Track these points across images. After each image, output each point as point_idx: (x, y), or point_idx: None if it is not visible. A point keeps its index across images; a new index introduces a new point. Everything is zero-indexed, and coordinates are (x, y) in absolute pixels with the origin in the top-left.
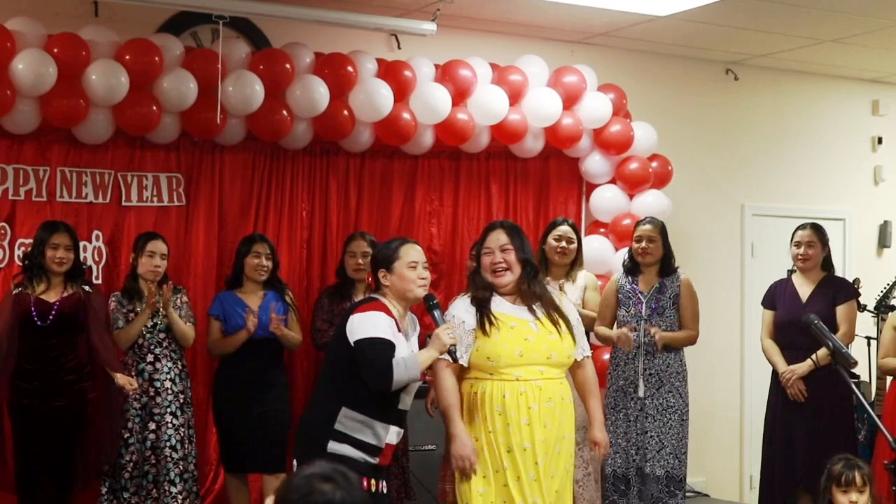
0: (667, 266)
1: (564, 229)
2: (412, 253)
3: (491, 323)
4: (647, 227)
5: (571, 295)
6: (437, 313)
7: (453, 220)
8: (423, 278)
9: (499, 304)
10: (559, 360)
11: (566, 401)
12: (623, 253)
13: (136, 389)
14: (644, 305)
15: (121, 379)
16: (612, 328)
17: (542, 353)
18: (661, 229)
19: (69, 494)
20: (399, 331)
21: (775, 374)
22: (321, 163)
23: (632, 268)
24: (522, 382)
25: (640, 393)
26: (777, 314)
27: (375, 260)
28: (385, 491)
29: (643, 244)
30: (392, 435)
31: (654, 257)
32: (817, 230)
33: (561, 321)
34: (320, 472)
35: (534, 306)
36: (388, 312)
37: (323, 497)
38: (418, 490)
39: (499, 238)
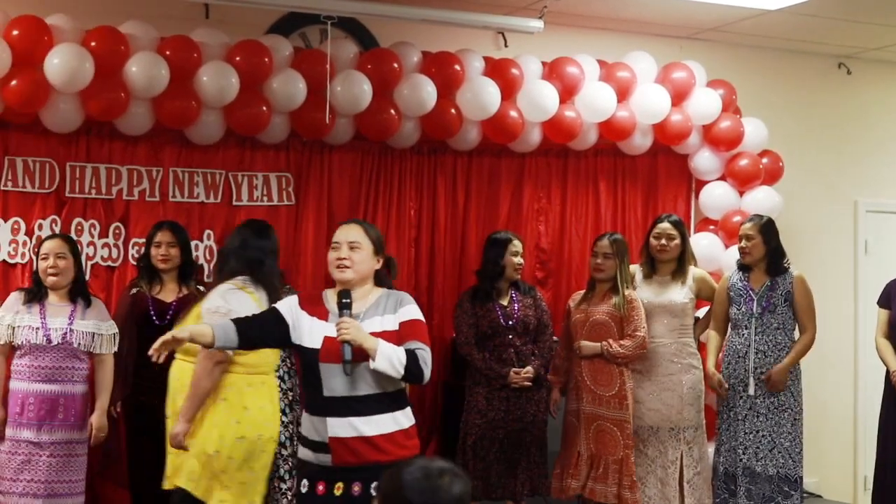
0: (774, 264)
1: (663, 227)
2: (338, 232)
3: None
4: (746, 225)
5: (678, 295)
6: (344, 312)
7: (561, 217)
8: (339, 258)
9: None
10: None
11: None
12: (734, 250)
13: None
14: (755, 303)
15: None
16: (725, 326)
17: None
18: (762, 227)
19: None
20: (305, 309)
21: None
22: (429, 161)
23: (743, 265)
24: None
25: (751, 391)
26: (892, 313)
27: None
28: (358, 493)
29: (742, 243)
30: (333, 427)
31: (752, 256)
32: None
33: None
34: (436, 466)
35: None
36: (304, 298)
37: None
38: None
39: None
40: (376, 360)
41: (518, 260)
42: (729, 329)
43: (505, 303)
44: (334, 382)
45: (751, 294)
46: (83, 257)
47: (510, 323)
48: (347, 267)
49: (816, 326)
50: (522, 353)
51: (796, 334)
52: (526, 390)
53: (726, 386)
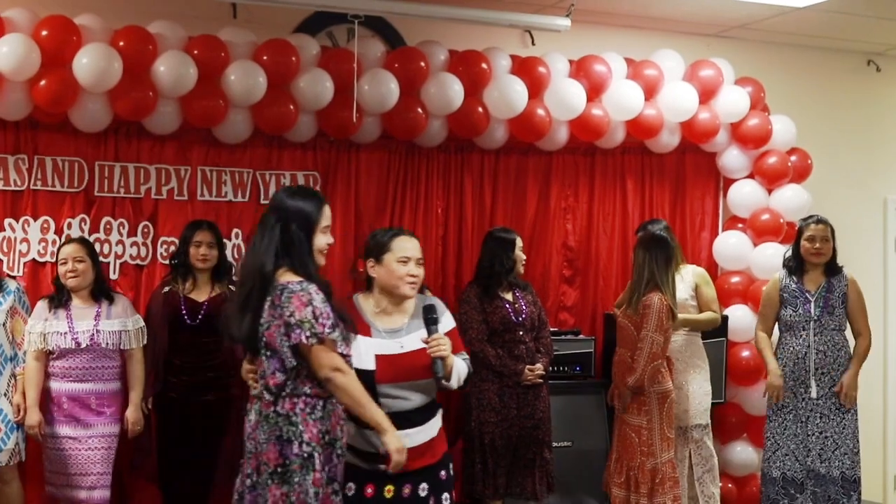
0: (833, 265)
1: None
2: (406, 246)
3: None
4: (820, 226)
5: (678, 292)
6: (432, 328)
7: (588, 216)
8: (412, 275)
9: None
10: None
11: None
12: (763, 248)
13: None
14: (813, 305)
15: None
16: (773, 326)
17: None
18: (832, 228)
19: (210, 488)
20: (348, 327)
21: None
22: (456, 160)
23: (796, 267)
24: None
25: (813, 394)
26: None
27: (367, 248)
28: (408, 495)
29: (817, 244)
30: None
31: (826, 257)
32: None
33: None
34: None
35: None
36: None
37: None
38: (556, 485)
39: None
40: (450, 378)
41: (523, 256)
42: (780, 332)
43: (510, 299)
44: (390, 400)
45: (807, 296)
46: (112, 256)
47: (520, 319)
48: (417, 284)
49: (870, 329)
50: (531, 349)
51: (848, 333)
52: (533, 387)
53: (782, 394)
